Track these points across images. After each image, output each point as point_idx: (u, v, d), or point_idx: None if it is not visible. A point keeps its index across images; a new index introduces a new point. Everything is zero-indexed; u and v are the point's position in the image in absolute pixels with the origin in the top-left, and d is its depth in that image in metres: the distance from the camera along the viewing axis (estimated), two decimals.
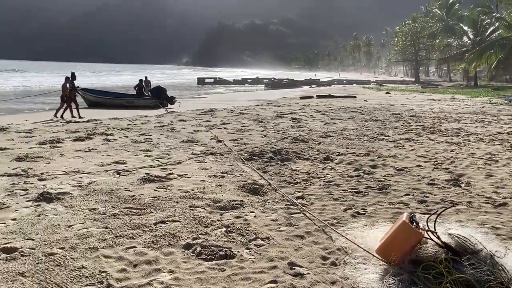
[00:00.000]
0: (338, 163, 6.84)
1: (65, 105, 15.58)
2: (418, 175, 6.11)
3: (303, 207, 4.61)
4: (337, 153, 7.56)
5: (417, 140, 9.15)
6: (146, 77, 25.90)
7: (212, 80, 62.66)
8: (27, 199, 4.72)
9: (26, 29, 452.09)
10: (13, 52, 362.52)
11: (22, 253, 3.36)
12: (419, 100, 22.57)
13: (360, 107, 17.38)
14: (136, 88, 23.43)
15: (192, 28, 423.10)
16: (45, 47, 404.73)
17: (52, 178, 5.64)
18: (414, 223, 3.25)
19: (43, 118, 14.47)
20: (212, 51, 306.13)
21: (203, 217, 4.25)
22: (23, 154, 7.10)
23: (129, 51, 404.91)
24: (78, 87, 23.30)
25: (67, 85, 15.90)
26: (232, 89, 48.10)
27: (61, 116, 15.00)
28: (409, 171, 6.35)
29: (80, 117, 15.05)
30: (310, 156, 7.28)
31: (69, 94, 15.67)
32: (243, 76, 75.99)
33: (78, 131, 9.88)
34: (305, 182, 5.71)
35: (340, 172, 6.25)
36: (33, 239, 3.64)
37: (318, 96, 25.75)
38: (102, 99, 21.56)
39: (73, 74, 16.51)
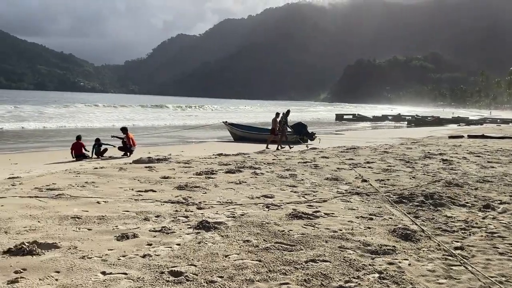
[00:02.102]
0: (501, 213, 6.16)
1: (279, 136, 18.15)
2: None
3: (464, 259, 4.22)
4: (498, 201, 6.84)
5: None
6: (283, 113, 26.88)
7: (350, 117, 62.24)
8: (188, 226, 5.12)
9: (182, 70, 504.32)
10: (172, 89, 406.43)
11: (187, 278, 3.62)
12: None
13: None
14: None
15: (331, 65, 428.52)
16: (196, 85, 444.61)
17: (209, 208, 6.06)
18: None
19: (196, 149, 15.76)
20: (351, 88, 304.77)
21: (354, 259, 4.14)
22: (183, 183, 7.78)
23: (269, 87, 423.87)
24: (226, 122, 25.16)
25: (278, 119, 17.93)
26: (372, 126, 47.08)
27: (280, 147, 17.63)
28: None
29: (281, 148, 17.42)
30: (467, 203, 6.69)
31: (280, 127, 18.10)
32: (383, 113, 74.02)
33: (229, 164, 10.52)
34: (463, 231, 5.24)
35: (505, 223, 5.62)
36: (195, 265, 3.90)
37: (470, 136, 23.81)
38: (247, 133, 22.80)
39: (288, 111, 18.41)
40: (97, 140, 15.27)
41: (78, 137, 14.86)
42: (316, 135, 22.01)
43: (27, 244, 4.19)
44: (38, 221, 5.17)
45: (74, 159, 14.24)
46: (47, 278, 3.53)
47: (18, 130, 28.84)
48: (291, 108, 23.11)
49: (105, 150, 15.22)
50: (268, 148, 17.26)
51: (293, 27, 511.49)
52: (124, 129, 15.81)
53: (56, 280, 3.50)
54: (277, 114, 19.01)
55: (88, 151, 14.81)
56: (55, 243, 4.34)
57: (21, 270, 3.67)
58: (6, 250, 4.12)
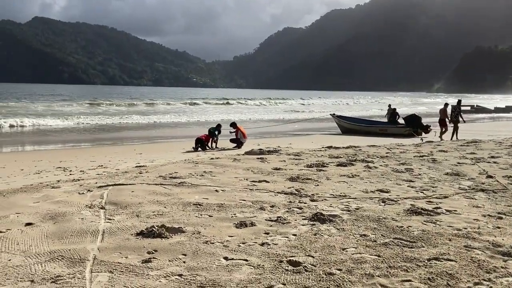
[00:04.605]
0: None
1: (444, 128, 18.81)
2: None
3: None
4: None
5: None
6: (389, 105, 25.94)
7: (468, 108, 57.71)
8: (303, 218, 5.15)
9: (288, 63, 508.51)
10: (278, 83, 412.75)
11: (305, 268, 3.64)
12: None
13: None
14: (388, 116, 23.46)
15: (446, 53, 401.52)
16: (302, 78, 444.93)
17: (322, 200, 6.04)
18: None
19: (304, 141, 15.81)
20: (468, 77, 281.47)
21: (483, 260, 3.83)
22: (295, 175, 7.85)
23: (377, 79, 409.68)
24: (334, 114, 24.85)
25: (447, 110, 18.97)
26: (492, 118, 43.31)
27: (450, 137, 18.19)
28: None
29: (457, 139, 17.49)
30: None
31: (452, 118, 18.77)
32: (507, 104, 67.51)
33: (340, 157, 10.38)
34: None
35: None
36: (313, 256, 3.90)
37: None
38: (356, 126, 22.29)
39: (459, 101, 19.15)
40: (219, 125, 16.51)
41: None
42: (431, 127, 20.82)
43: (156, 227, 4.54)
44: (164, 207, 5.58)
45: (193, 148, 15.18)
46: (175, 260, 3.79)
47: (146, 123, 31.46)
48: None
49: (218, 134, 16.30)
50: (442, 139, 17.77)
51: (404, 14, 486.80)
52: (233, 124, 16.62)
53: (184, 262, 3.74)
54: (446, 104, 19.31)
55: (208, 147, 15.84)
56: (181, 227, 4.65)
57: (153, 251, 3.99)
58: (139, 232, 4.51)
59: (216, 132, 16.16)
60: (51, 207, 5.53)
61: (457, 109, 18.90)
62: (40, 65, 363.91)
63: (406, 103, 79.84)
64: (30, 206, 5.62)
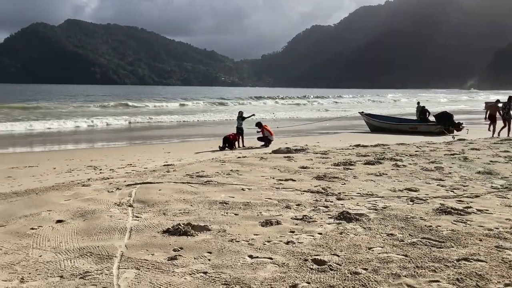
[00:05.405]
0: None
1: (493, 124, 18.88)
2: None
3: None
4: None
5: None
6: (418, 103, 25.60)
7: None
8: (329, 216, 5.11)
9: (316, 61, 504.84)
10: (306, 81, 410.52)
11: (330, 267, 3.61)
12: None
13: None
14: (418, 114, 23.05)
15: (479, 49, 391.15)
16: (330, 76, 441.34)
17: (349, 199, 5.98)
18: None
19: (331, 140, 15.67)
20: (502, 73, 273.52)
21: None
22: (321, 173, 7.80)
23: (408, 76, 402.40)
24: (363, 112, 24.54)
25: (497, 106, 19.18)
26: None
27: (497, 133, 18.24)
28: None
29: (497, 136, 17.68)
30: None
31: (504, 115, 18.73)
32: None
33: (368, 155, 10.26)
34: None
35: None
36: (338, 255, 3.87)
37: None
38: (386, 124, 21.96)
39: (510, 98, 18.95)
40: (240, 113, 16.81)
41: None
42: (463, 125, 20.32)
43: (182, 225, 4.59)
44: (191, 205, 5.63)
45: (219, 148, 15.27)
46: (201, 258, 3.82)
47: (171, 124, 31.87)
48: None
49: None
50: (498, 136, 17.76)
51: (434, 10, 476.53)
52: (258, 124, 16.67)
53: (209, 260, 3.77)
54: (497, 101, 19.91)
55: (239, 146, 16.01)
56: (206, 225, 4.68)
57: (179, 249, 4.03)
58: (165, 229, 4.57)
59: (242, 123, 16.52)
60: (81, 205, 5.66)
61: (507, 106, 18.55)
62: (72, 66, 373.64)
63: (444, 102, 77.62)
64: (61, 204, 5.78)
